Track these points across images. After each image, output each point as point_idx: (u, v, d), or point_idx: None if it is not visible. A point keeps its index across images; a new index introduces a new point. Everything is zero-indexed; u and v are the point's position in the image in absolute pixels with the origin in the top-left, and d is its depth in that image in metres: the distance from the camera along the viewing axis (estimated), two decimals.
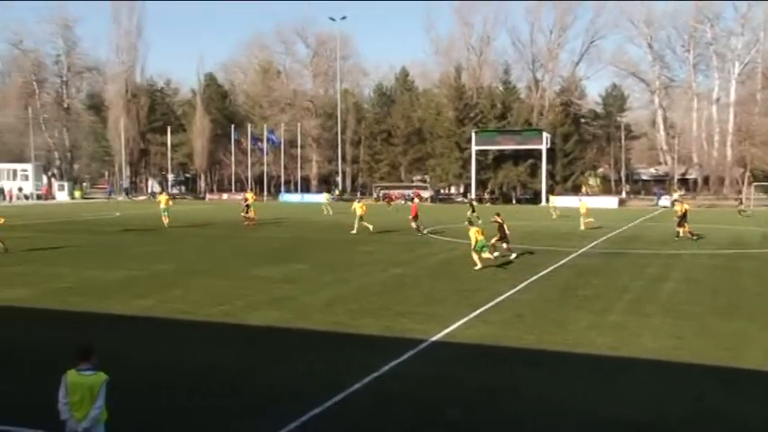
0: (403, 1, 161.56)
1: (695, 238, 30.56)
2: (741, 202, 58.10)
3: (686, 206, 33.35)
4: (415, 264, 22.72)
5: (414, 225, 34.04)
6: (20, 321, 13.93)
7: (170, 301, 15.85)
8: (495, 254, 22.27)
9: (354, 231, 33.71)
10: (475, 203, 40.08)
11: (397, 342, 12.16)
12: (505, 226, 24.14)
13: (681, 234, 31.04)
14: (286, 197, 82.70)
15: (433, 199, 78.98)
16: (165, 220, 37.20)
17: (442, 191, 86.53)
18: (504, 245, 23.90)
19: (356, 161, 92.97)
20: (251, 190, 70.53)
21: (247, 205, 40.03)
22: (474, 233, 21.57)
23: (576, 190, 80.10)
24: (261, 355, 11.44)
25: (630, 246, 28.90)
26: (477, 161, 78.19)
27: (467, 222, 25.00)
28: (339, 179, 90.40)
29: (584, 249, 27.13)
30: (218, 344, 12.26)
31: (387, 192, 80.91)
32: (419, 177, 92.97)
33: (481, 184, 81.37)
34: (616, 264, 22.87)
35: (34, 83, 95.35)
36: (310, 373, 10.49)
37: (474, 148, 77.11)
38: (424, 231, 34.50)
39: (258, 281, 18.75)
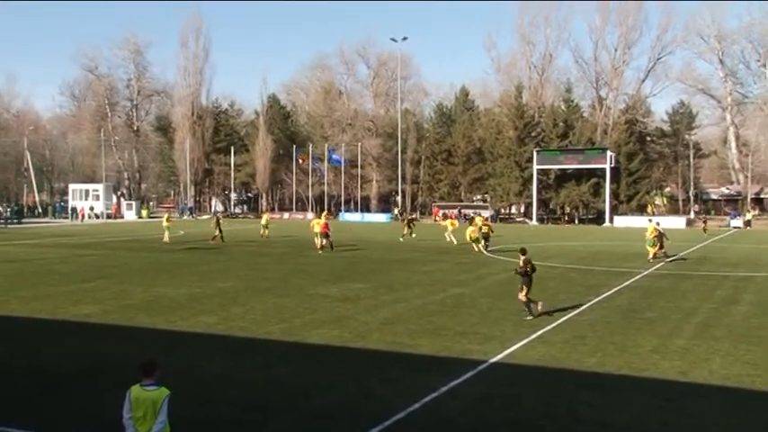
0: (464, 21, 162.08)
1: None
2: None
3: None
4: (474, 284, 22.56)
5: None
6: (88, 337, 14.40)
7: (232, 318, 16.14)
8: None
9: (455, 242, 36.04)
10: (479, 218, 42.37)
11: (455, 362, 12.08)
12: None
13: None
14: (346, 216, 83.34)
15: (493, 219, 78.23)
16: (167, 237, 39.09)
17: (502, 210, 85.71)
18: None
19: (416, 181, 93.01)
20: (271, 209, 72.63)
21: (218, 222, 40.29)
22: (469, 232, 32.43)
23: (641, 210, 78.11)
24: (318, 374, 11.52)
25: (699, 267, 27.98)
26: (539, 180, 77.23)
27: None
28: (399, 198, 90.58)
29: (649, 270, 26.41)
30: (276, 361, 12.41)
31: (445, 211, 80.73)
32: (479, 197, 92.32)
33: (542, 204, 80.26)
34: (683, 285, 22.18)
35: (107, 106, 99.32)
36: (367, 392, 10.49)
37: (535, 167, 76.23)
38: (485, 251, 34.31)
39: (317, 300, 18.92)
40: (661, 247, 30.49)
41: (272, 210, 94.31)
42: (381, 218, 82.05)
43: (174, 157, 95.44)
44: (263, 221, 45.42)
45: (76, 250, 35.29)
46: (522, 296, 16.27)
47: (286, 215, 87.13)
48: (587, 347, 13.24)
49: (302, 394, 10.43)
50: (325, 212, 47.82)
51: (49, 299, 18.80)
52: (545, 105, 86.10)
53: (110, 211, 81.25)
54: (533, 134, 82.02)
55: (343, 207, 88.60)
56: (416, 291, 20.66)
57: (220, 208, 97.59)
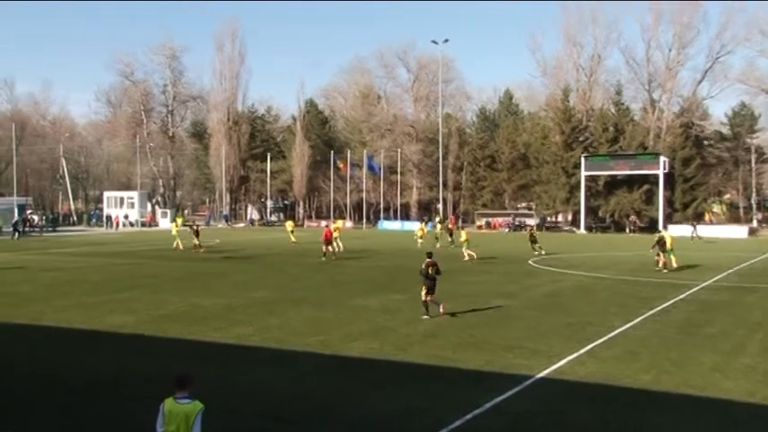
0: (507, 22, 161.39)
1: None
2: None
3: None
4: (519, 295, 22.34)
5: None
6: (121, 348, 14.63)
7: (267, 329, 16.24)
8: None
9: (466, 259, 34.43)
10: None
11: (500, 377, 11.95)
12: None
13: None
14: (385, 225, 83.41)
15: (539, 227, 77.51)
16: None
17: (548, 218, 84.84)
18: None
19: (458, 188, 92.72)
20: (290, 218, 73.66)
21: (196, 232, 40.77)
22: (465, 234, 34.79)
23: (698, 218, 76.50)
24: (356, 387, 11.50)
25: (764, 279, 27.23)
26: (587, 187, 76.26)
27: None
28: (440, 206, 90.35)
29: (708, 283, 25.80)
30: (314, 374, 12.43)
31: (489, 220, 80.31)
32: (524, 204, 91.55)
33: (591, 212, 79.14)
34: (746, 299, 21.60)
35: (142, 112, 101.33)
36: (407, 407, 10.43)
37: (583, 173, 75.31)
38: (539, 257, 34.20)
39: (356, 311, 18.92)
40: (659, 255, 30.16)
41: (309, 218, 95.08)
42: (424, 225, 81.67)
43: (210, 163, 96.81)
44: (289, 228, 48.94)
45: (111, 259, 35.97)
46: (422, 296, 17.76)
47: (323, 223, 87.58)
48: (641, 363, 12.96)
49: (339, 408, 10.42)
50: (334, 220, 48.45)
51: (83, 309, 19.17)
52: (593, 109, 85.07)
53: (144, 219, 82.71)
54: (581, 139, 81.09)
55: (382, 215, 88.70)
56: (459, 302, 20.49)
57: (256, 216, 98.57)
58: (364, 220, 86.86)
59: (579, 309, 19.39)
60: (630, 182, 76.09)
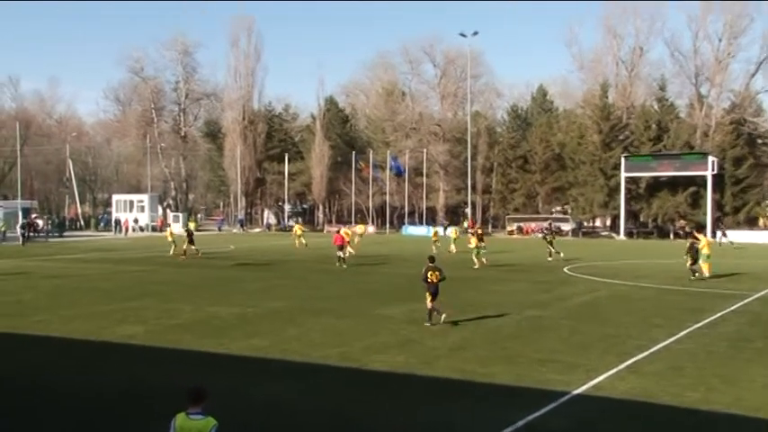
0: (541, 13, 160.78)
1: None
2: None
3: None
4: (554, 305, 22.25)
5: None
6: (131, 360, 14.78)
7: (285, 341, 16.32)
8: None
9: (476, 266, 34.39)
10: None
11: (533, 393, 11.92)
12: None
13: None
14: (410, 230, 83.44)
15: (574, 232, 77.12)
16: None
17: (585, 223, 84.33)
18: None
19: (488, 191, 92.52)
20: (297, 222, 74.20)
21: (190, 235, 41.37)
22: (474, 240, 34.79)
23: (750, 223, 75.51)
24: (379, 403, 11.52)
25: None
26: (627, 190, 75.70)
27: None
28: (468, 210, 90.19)
29: (762, 293, 25.47)
30: (333, 388, 12.47)
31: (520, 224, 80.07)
32: (559, 208, 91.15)
33: (631, 216, 78.54)
34: None
35: (153, 111, 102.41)
36: (434, 424, 10.44)
37: (623, 174, 74.78)
38: (565, 267, 34.00)
39: (379, 321, 18.96)
40: (693, 262, 30.01)
41: (329, 222, 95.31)
42: (448, 231, 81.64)
43: (224, 165, 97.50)
44: (298, 233, 51.55)
45: (120, 266, 36.37)
46: (428, 303, 18.23)
47: (344, 228, 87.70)
48: (687, 380, 12.83)
49: (360, 425, 10.46)
50: (357, 224, 48.95)
51: (91, 318, 19.40)
52: (634, 105, 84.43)
53: (155, 224, 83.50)
54: (621, 138, 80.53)
55: (406, 219, 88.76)
56: (489, 312, 20.47)
57: (273, 220, 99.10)
58: (387, 225, 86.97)
59: (618, 320, 19.24)
60: (675, 184, 75.41)
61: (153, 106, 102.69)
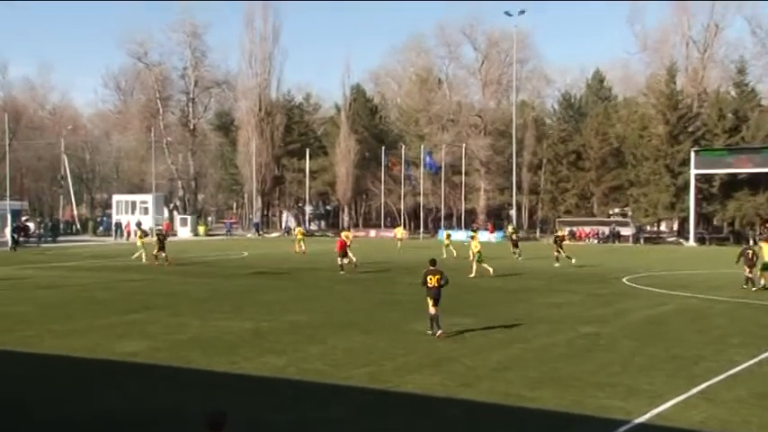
0: None
1: None
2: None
3: None
4: (613, 321, 22.05)
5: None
6: (134, 381, 14.88)
7: (306, 359, 16.34)
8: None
9: (472, 275, 34.32)
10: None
11: (589, 422, 11.80)
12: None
13: None
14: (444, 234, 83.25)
15: (635, 238, 76.44)
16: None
17: (647, 227, 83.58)
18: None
19: (535, 191, 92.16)
20: (299, 225, 75.09)
21: (161, 240, 41.97)
22: (475, 245, 35.11)
23: None
24: (411, 430, 11.45)
25: None
26: (698, 189, 74.87)
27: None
28: (513, 213, 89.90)
29: None
30: (361, 413, 12.45)
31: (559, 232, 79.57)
32: (617, 210, 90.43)
33: (703, 219, 77.63)
34: None
35: (158, 101, 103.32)
36: None
37: (693, 171, 73.98)
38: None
39: (413, 337, 18.91)
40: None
41: (356, 226, 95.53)
42: (491, 236, 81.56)
43: (238, 161, 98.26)
44: (299, 236, 54.10)
45: (121, 274, 36.73)
46: (430, 309, 18.92)
47: (372, 233, 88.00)
48: None
49: None
50: (345, 230, 50.26)
51: (89, 333, 19.59)
52: (707, 92, 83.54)
53: (161, 227, 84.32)
54: (691, 129, 79.73)
55: (442, 223, 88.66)
56: (538, 329, 20.34)
57: (293, 223, 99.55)
58: (422, 229, 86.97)
59: (688, 338, 19.01)
60: (755, 182, 74.40)
61: (158, 96, 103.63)
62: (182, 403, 12.63)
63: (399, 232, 67.16)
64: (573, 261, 40.72)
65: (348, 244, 39.00)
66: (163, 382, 14.61)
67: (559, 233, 47.08)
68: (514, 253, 46.40)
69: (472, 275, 34.18)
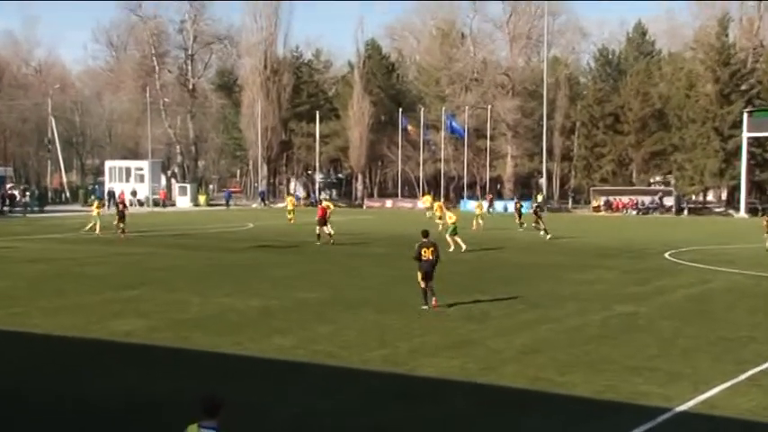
0: None
1: None
2: None
3: None
4: (651, 299, 22.03)
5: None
6: (129, 362, 15.02)
7: (316, 340, 16.44)
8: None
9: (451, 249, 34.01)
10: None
11: (624, 410, 11.83)
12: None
13: None
14: (470, 205, 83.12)
15: (678, 209, 76.07)
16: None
17: (693, 197, 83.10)
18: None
19: (568, 157, 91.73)
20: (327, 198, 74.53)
21: (121, 212, 43.24)
22: (450, 215, 35.40)
23: None
24: (432, 418, 11.54)
25: None
26: (750, 155, 74.28)
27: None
28: (543, 181, 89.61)
29: None
30: (374, 399, 12.53)
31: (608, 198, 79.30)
32: (659, 179, 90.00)
33: (756, 188, 77.09)
34: None
35: (154, 58, 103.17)
36: None
37: (746, 135, 73.36)
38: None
39: (431, 316, 18.99)
40: None
41: (370, 196, 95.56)
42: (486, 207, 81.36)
43: (241, 125, 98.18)
44: (289, 206, 56.94)
45: (114, 247, 36.95)
46: (420, 283, 19.91)
47: (388, 203, 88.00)
48: None
49: None
50: (326, 199, 51.22)
51: (80, 311, 19.77)
52: (764, 45, 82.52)
53: (157, 197, 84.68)
54: (744, 88, 79.03)
55: (465, 192, 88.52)
56: (568, 307, 20.36)
57: (301, 193, 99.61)
58: (442, 199, 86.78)
59: (736, 319, 19.01)
60: None
61: (153, 52, 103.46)
62: (181, 387, 12.74)
63: (427, 201, 67.51)
64: (548, 237, 41.24)
65: (328, 215, 39.68)
66: (161, 365, 14.76)
67: (539, 200, 47.78)
68: (522, 224, 47.67)
69: (451, 250, 33.81)
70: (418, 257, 19.81)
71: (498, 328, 17.76)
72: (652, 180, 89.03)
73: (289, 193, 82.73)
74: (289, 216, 54.99)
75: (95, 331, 17.32)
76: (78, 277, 26.22)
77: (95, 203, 48.13)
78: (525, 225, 47.22)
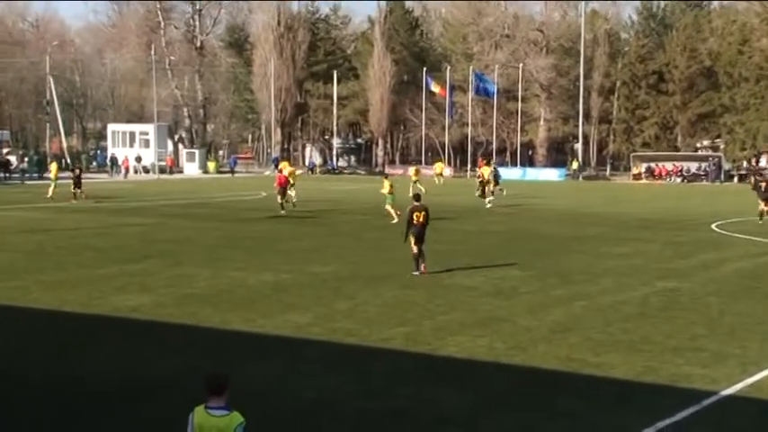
0: None
1: None
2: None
3: None
4: (695, 274, 21.95)
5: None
6: (134, 340, 15.14)
7: (333, 317, 16.51)
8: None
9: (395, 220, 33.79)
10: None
11: (664, 392, 11.83)
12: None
13: None
14: (499, 172, 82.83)
15: (727, 175, 75.49)
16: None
17: (744, 164, 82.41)
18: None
19: (606, 120, 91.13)
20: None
21: (77, 178, 46.14)
22: (386, 184, 35.61)
23: None
24: (454, 399, 11.59)
25: None
26: None
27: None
28: (579, 146, 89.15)
29: None
30: (395, 380, 12.58)
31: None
32: (707, 143, 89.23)
33: None
34: None
35: (159, 12, 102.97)
36: (527, 430, 10.49)
37: None
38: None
39: (456, 292, 19.02)
40: None
41: (392, 162, 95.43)
42: (552, 174, 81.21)
43: (253, 86, 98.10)
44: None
45: (118, 217, 37.18)
46: (412, 248, 21.18)
47: (411, 170, 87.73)
48: None
49: (430, 428, 10.55)
50: (284, 163, 51.99)
51: (82, 285, 19.92)
52: None
53: (164, 163, 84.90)
54: None
55: (494, 158, 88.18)
56: (604, 283, 20.34)
57: (318, 160, 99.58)
58: (469, 166, 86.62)
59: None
60: None
61: (158, 6, 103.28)
62: (191, 366, 12.83)
63: (440, 168, 68.36)
64: (488, 205, 42.50)
65: (292, 182, 40.52)
66: (168, 342, 14.87)
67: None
68: (501, 190, 47.12)
69: (395, 221, 33.71)
70: (410, 221, 21.08)
71: (528, 304, 17.75)
72: (699, 145, 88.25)
73: (282, 158, 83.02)
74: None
75: (98, 306, 17.45)
76: (80, 249, 26.39)
77: (53, 167, 50.53)
78: (505, 192, 47.48)
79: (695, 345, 14.39)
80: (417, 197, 22.44)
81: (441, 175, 67.20)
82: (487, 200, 43.68)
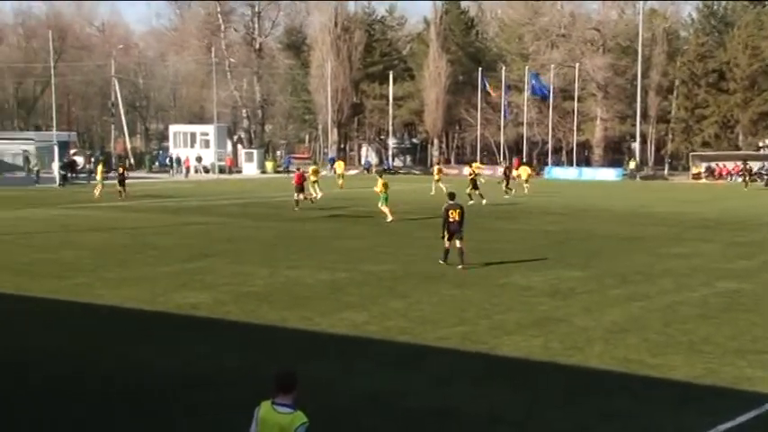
0: None
1: None
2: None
3: None
4: (758, 275, 21.66)
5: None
6: (195, 336, 15.33)
7: (388, 316, 16.53)
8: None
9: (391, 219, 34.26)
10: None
11: (725, 395, 11.70)
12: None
13: None
14: (555, 172, 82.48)
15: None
16: None
17: None
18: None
19: (665, 119, 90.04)
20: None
21: (122, 176, 48.34)
22: (381, 182, 34.90)
23: None
24: (511, 400, 11.55)
25: None
26: None
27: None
28: (636, 146, 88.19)
29: None
30: (451, 379, 12.57)
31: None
32: None
33: None
34: None
35: (219, 16, 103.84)
36: (583, 431, 10.37)
37: None
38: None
39: (512, 292, 18.94)
40: None
41: (447, 161, 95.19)
42: (609, 174, 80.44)
43: (311, 87, 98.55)
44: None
45: (180, 216, 37.60)
46: (444, 242, 22.17)
47: (466, 170, 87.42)
48: None
49: (485, 427, 10.51)
50: (339, 162, 53.43)
51: (145, 282, 20.21)
52: None
53: (223, 163, 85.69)
54: None
55: (550, 158, 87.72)
56: (663, 283, 20.11)
57: (374, 159, 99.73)
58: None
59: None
60: None
61: (219, 9, 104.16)
62: (249, 363, 12.97)
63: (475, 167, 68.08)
64: (482, 202, 42.14)
65: (305, 178, 41.22)
66: (228, 339, 15.00)
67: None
68: (510, 190, 49.12)
69: (390, 220, 33.98)
70: (446, 219, 21.84)
71: (585, 304, 17.62)
72: (761, 144, 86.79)
73: (339, 158, 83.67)
74: (339, 182, 59.13)
75: (161, 303, 17.73)
76: (142, 247, 26.75)
77: (99, 168, 51.54)
78: (514, 191, 49.49)
79: (758, 347, 14.20)
80: (452, 195, 22.98)
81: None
82: (506, 195, 46.38)
